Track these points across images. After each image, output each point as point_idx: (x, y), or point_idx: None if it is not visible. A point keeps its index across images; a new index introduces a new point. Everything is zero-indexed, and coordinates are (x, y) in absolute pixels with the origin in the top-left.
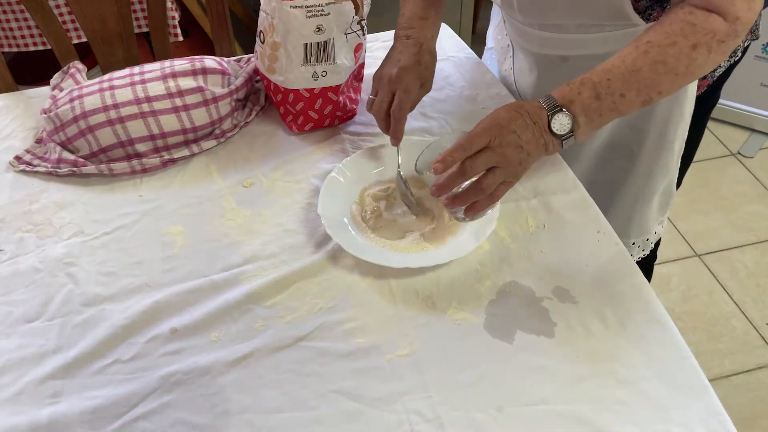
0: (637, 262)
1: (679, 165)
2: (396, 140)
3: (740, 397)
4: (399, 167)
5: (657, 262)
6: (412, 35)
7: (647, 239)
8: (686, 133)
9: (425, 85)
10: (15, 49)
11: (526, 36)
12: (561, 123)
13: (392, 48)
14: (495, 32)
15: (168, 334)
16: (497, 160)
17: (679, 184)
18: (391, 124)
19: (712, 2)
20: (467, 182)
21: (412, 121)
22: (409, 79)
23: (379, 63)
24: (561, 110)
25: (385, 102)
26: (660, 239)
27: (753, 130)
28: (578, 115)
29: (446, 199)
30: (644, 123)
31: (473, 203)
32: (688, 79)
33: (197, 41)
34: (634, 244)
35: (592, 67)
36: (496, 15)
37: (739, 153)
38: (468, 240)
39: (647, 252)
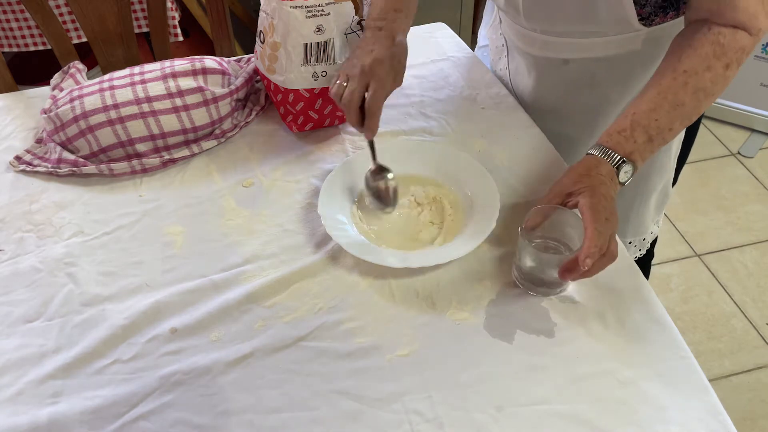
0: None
1: (675, 164)
2: (371, 133)
3: (740, 397)
4: (374, 159)
5: (657, 262)
6: (384, 27)
7: (643, 239)
8: (683, 133)
9: (397, 79)
10: (15, 49)
11: (527, 39)
12: (626, 172)
13: (363, 38)
14: (489, 32)
15: (168, 334)
16: (615, 227)
17: (674, 183)
18: (366, 117)
19: (738, 20)
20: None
21: (412, 121)
22: (383, 72)
23: None
24: (624, 162)
25: (357, 92)
26: (656, 238)
27: (753, 130)
28: (638, 162)
29: (581, 274)
30: None
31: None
32: (718, 96)
33: (197, 41)
34: (630, 243)
35: (592, 70)
36: (489, 14)
37: (739, 153)
38: (468, 240)
39: (644, 251)
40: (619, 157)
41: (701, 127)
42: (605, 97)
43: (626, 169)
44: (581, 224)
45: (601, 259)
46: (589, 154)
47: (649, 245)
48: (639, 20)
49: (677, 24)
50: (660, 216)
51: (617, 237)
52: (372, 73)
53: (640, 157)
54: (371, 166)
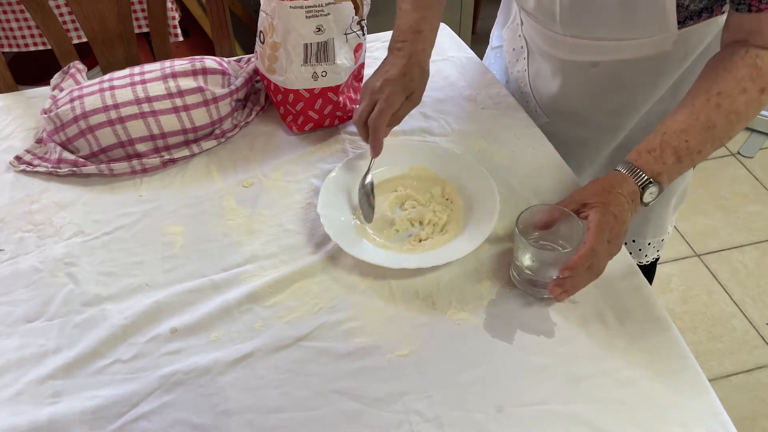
0: (651, 263)
1: None
2: (375, 152)
3: (740, 397)
4: (368, 173)
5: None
6: (403, 48)
7: (662, 239)
8: None
9: (412, 98)
10: (15, 49)
11: (555, 42)
12: (651, 193)
13: (384, 59)
14: (506, 33)
15: (168, 334)
16: (615, 251)
17: None
18: (370, 134)
19: None
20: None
21: (412, 121)
22: (391, 91)
23: (379, 63)
24: (651, 183)
25: (365, 111)
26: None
27: (753, 130)
28: (664, 183)
29: (563, 291)
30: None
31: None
32: (751, 120)
33: (197, 41)
34: (650, 244)
35: (620, 72)
36: (505, 15)
37: (739, 153)
38: (468, 240)
39: (661, 252)
40: (646, 177)
41: None
42: (631, 100)
43: (652, 190)
44: (582, 234)
45: (585, 272)
46: (616, 170)
47: (665, 245)
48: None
49: (708, 24)
50: (675, 215)
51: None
52: (379, 93)
53: (667, 179)
54: (366, 178)
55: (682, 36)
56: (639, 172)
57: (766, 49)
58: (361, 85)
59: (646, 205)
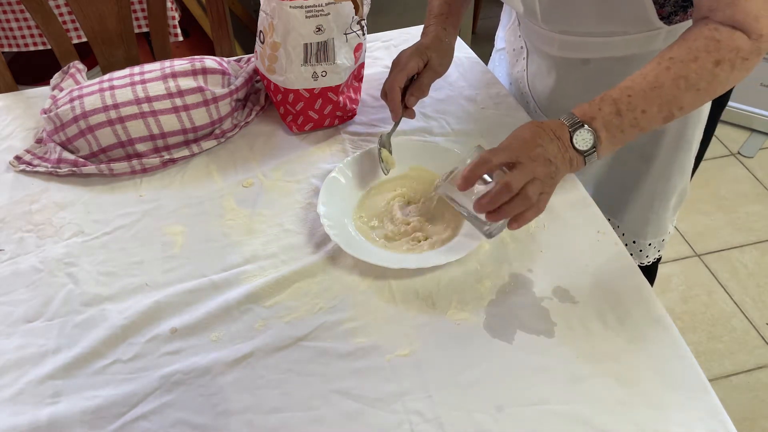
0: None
1: (692, 164)
2: (394, 115)
3: (740, 397)
4: (391, 133)
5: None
6: (429, 27)
7: (662, 240)
8: (702, 133)
9: (434, 67)
10: (15, 49)
11: (546, 40)
12: (583, 138)
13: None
14: (507, 34)
15: (168, 334)
16: (532, 172)
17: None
18: (387, 97)
19: (737, 19)
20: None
21: (412, 121)
22: (403, 56)
23: (379, 63)
24: (582, 126)
25: (388, 81)
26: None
27: (753, 130)
28: (599, 131)
29: (490, 214)
30: None
31: (520, 215)
32: (710, 96)
33: (197, 41)
34: (650, 245)
35: (613, 69)
36: (507, 17)
37: (739, 153)
38: (468, 240)
39: (662, 252)
40: (578, 119)
41: None
42: None
43: (584, 136)
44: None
45: (523, 203)
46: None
47: (665, 245)
48: (660, 19)
49: None
50: (676, 215)
51: (618, 237)
52: (396, 63)
53: (603, 127)
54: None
55: (672, 33)
56: (572, 115)
57: (725, 25)
58: (361, 84)
59: (582, 154)
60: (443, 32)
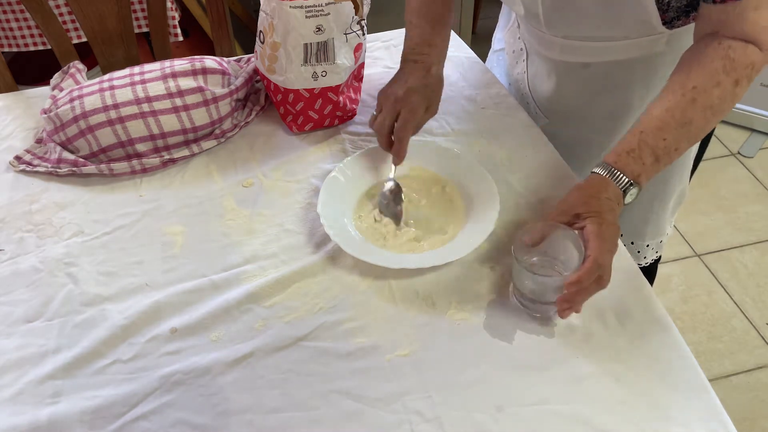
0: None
1: (692, 166)
2: (399, 160)
3: (740, 397)
4: (392, 178)
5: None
6: (419, 60)
7: (660, 241)
8: None
9: (430, 109)
10: (15, 49)
11: (547, 43)
12: (632, 194)
13: (400, 69)
14: (506, 35)
15: (168, 334)
16: (612, 256)
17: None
18: (394, 143)
19: (747, 33)
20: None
21: None
22: (415, 100)
23: (379, 63)
24: (632, 185)
25: (388, 120)
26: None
27: (753, 130)
28: (643, 183)
29: (568, 307)
30: None
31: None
32: (728, 113)
33: (197, 41)
34: (648, 246)
35: (613, 73)
36: (506, 18)
37: (739, 153)
38: (468, 240)
39: (660, 253)
40: (627, 180)
41: None
42: (626, 101)
43: (632, 191)
44: (581, 247)
45: (591, 285)
46: (595, 172)
47: (664, 247)
48: (662, 24)
49: None
50: (674, 217)
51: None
52: (403, 102)
53: (645, 179)
54: (389, 183)
55: (673, 37)
56: (619, 175)
57: (737, 40)
58: (361, 84)
59: (626, 204)
60: (439, 66)
